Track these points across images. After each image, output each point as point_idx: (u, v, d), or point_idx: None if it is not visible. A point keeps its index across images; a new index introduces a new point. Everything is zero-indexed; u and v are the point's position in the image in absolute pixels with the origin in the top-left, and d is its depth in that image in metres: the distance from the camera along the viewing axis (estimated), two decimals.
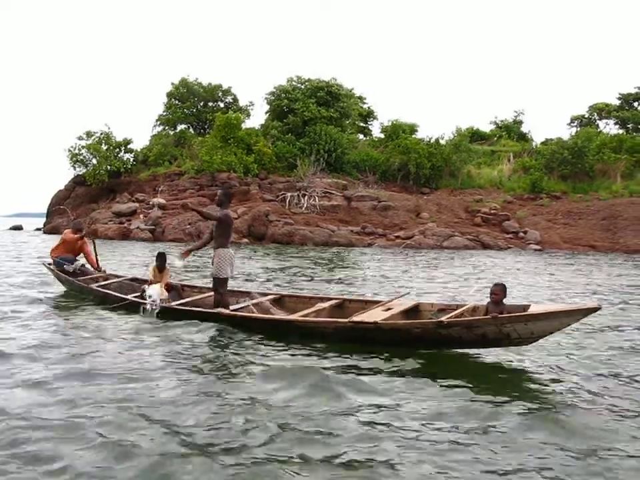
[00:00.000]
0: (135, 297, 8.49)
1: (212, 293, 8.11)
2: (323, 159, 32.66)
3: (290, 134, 35.14)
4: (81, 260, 10.67)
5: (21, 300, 9.34)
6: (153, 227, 29.30)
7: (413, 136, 38.90)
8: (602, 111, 48.00)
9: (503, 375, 5.70)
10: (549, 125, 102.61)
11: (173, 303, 8.18)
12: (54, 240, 28.58)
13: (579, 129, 46.35)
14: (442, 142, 36.98)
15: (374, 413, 4.39)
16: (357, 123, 40.67)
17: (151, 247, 24.99)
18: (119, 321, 7.72)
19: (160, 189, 32.64)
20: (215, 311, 7.55)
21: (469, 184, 35.44)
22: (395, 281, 13.37)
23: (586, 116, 49.03)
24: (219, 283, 7.80)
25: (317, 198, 31.32)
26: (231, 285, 8.45)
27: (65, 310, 8.68)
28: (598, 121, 48.37)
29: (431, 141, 36.40)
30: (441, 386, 5.05)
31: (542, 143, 42.61)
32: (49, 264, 10.79)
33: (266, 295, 8.64)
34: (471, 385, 5.08)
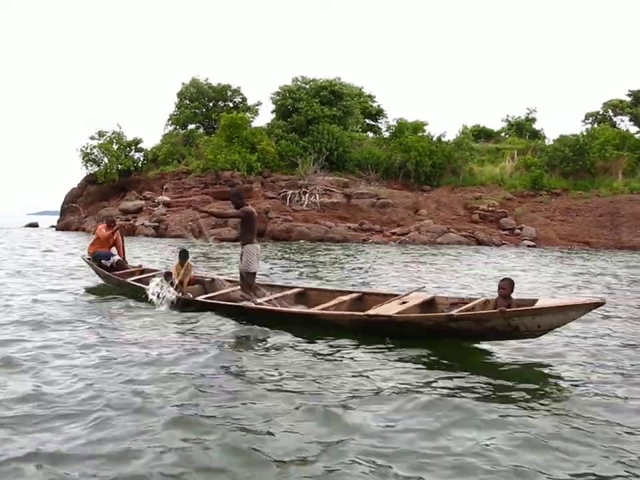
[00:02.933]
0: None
1: (238, 287, 8.56)
2: (323, 157, 33.40)
3: (294, 133, 35.91)
4: (117, 255, 11.23)
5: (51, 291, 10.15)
6: (157, 224, 30.35)
7: (422, 133, 39.42)
8: (616, 107, 47.86)
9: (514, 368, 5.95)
10: (564, 121, 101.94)
11: (199, 297, 8.61)
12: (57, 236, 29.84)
13: (595, 125, 46.31)
14: (444, 139, 37.45)
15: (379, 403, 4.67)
16: (360, 121, 41.16)
17: (155, 241, 26.16)
18: (149, 311, 8.34)
19: (165, 187, 33.71)
20: (240, 304, 7.95)
21: (470, 181, 35.77)
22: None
23: (600, 112, 48.92)
24: (248, 277, 8.23)
25: (317, 195, 32.04)
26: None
27: (99, 301, 9.30)
28: (614, 118, 48.19)
29: (433, 139, 36.85)
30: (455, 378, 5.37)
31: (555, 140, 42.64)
32: (88, 258, 11.30)
33: (291, 288, 9.01)
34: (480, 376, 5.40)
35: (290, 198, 32.18)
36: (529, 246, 28.27)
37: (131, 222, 31.34)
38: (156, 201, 32.59)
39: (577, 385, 5.30)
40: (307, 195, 32.09)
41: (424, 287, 8.95)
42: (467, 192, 34.61)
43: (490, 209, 32.06)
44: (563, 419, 4.34)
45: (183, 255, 9.59)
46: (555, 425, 4.20)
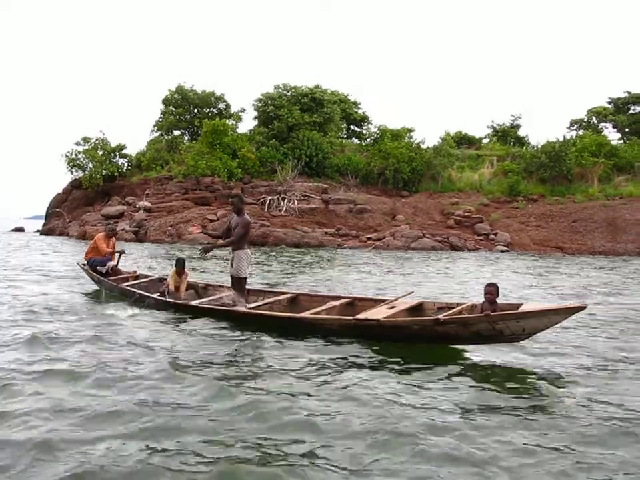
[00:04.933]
0: (159, 295, 9.15)
1: (230, 293, 8.58)
2: (301, 163, 33.95)
3: (275, 139, 36.44)
4: (112, 262, 11.23)
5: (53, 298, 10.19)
6: (137, 229, 30.80)
7: (409, 139, 40.08)
8: (599, 114, 48.47)
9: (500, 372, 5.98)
10: (549, 128, 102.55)
11: (192, 302, 8.63)
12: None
13: (580, 132, 46.95)
14: (424, 146, 38.02)
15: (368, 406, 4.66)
16: (340, 127, 41.63)
17: (134, 246, 26.58)
18: (142, 315, 8.41)
19: (146, 193, 34.18)
20: (230, 309, 8.04)
21: (449, 187, 36.28)
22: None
23: (585, 119, 49.53)
24: (238, 282, 8.33)
25: (295, 201, 32.53)
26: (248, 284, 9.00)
27: (92, 305, 9.39)
28: (600, 125, 48.72)
29: (412, 145, 37.38)
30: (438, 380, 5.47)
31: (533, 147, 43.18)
32: (83, 265, 11.42)
33: (283, 294, 9.06)
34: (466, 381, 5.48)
35: (269, 204, 32.67)
36: (502, 251, 28.68)
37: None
38: (137, 206, 33.05)
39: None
40: (286, 201, 32.58)
41: (412, 292, 8.91)
42: (444, 198, 35.10)
43: (466, 214, 32.53)
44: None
45: (180, 263, 9.59)
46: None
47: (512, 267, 19.53)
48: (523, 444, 3.97)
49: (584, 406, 4.80)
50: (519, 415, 4.55)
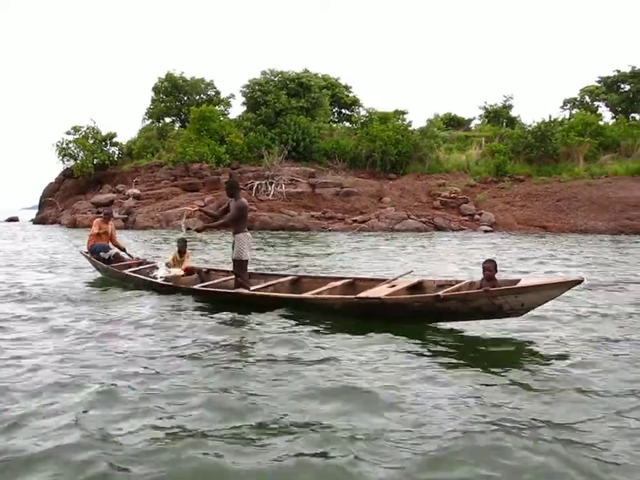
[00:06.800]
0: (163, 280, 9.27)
1: (233, 276, 8.74)
2: (287, 148, 34.28)
3: (263, 125, 36.71)
4: (115, 248, 11.40)
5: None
6: (126, 216, 31.23)
7: (401, 121, 40.30)
8: (592, 93, 48.49)
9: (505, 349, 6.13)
10: (543, 107, 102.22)
11: (195, 286, 8.75)
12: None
13: (574, 111, 47.03)
14: (412, 128, 38.22)
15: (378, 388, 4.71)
16: (328, 112, 41.72)
17: (124, 233, 27.01)
18: (146, 300, 8.61)
19: (135, 180, 34.55)
20: (234, 291, 8.19)
21: (436, 169, 36.41)
22: None
23: (578, 99, 49.55)
24: (240, 265, 8.43)
25: (283, 185, 32.88)
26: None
27: (99, 293, 9.58)
28: (594, 103, 48.72)
29: (400, 128, 37.56)
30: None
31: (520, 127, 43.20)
32: (86, 252, 11.52)
33: (285, 276, 9.23)
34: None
35: (257, 188, 33.03)
36: (485, 231, 28.99)
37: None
38: (126, 193, 33.46)
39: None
40: (273, 185, 32.92)
41: (412, 271, 8.99)
42: (432, 179, 35.28)
43: (452, 195, 32.77)
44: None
45: (182, 243, 9.79)
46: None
47: (476, 245, 19.90)
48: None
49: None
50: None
